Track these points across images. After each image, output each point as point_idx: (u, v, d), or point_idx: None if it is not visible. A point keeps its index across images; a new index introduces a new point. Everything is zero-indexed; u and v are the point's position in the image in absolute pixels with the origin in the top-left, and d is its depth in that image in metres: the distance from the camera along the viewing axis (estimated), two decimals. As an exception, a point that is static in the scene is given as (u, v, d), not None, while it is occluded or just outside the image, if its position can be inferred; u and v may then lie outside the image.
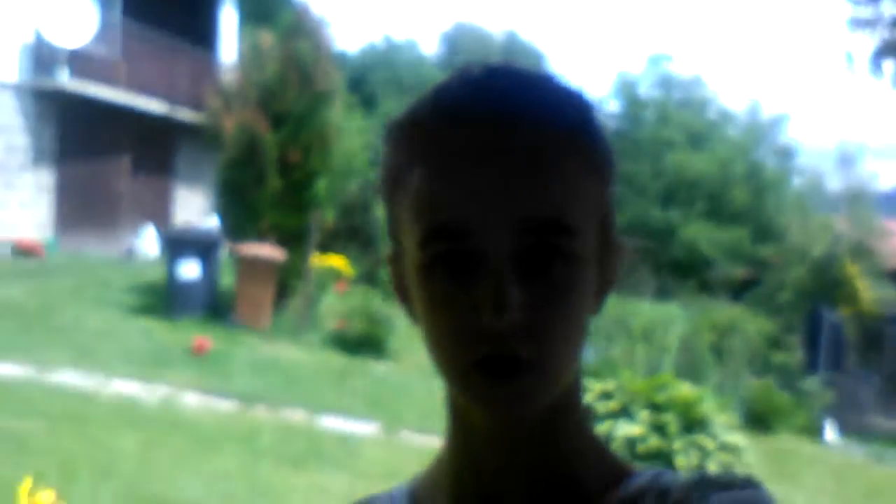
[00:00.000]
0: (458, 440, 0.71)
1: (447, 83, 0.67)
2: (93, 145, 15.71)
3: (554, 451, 0.69)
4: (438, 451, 0.74)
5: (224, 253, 12.09)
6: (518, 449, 0.68)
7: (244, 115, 11.39)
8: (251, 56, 12.51)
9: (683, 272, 21.72)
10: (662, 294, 20.13)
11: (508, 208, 0.62)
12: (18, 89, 14.64)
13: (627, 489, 0.68)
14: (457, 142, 0.63)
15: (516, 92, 0.65)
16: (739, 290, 20.91)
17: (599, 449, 0.72)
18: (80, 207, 15.66)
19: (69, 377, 8.19)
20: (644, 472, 0.70)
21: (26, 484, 1.70)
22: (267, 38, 12.33)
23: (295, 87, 11.51)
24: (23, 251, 13.95)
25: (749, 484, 0.65)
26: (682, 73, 24.14)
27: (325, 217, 12.14)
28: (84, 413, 7.29)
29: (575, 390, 0.70)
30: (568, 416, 0.69)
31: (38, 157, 15.06)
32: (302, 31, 11.97)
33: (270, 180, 11.16)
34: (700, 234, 21.32)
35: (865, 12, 5.00)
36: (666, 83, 24.27)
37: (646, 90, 24.65)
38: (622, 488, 0.68)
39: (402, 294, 0.71)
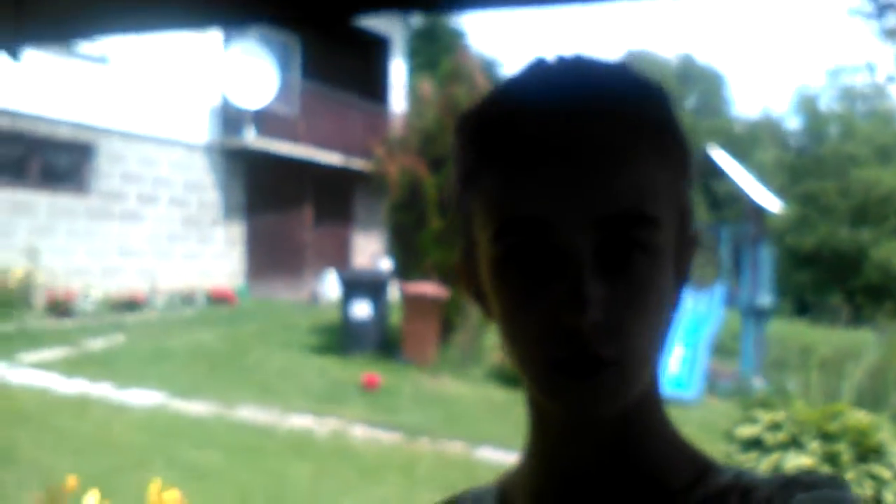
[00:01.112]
0: (539, 439, 0.70)
1: (519, 77, 0.66)
2: (278, 198, 16.88)
3: (635, 449, 0.67)
4: (523, 449, 0.73)
5: (394, 292, 12.68)
6: (599, 447, 0.67)
7: (405, 160, 11.97)
8: (414, 105, 13.14)
9: (879, 296, 20.40)
10: (858, 321, 19.02)
11: (588, 202, 0.60)
12: (209, 149, 16.01)
13: (711, 487, 0.67)
14: (532, 135, 0.62)
15: (590, 83, 0.64)
16: (945, 313, 19.38)
17: (681, 444, 0.70)
18: (269, 256, 16.85)
19: (250, 413, 8.84)
20: (727, 470, 0.68)
21: (156, 485, 1.99)
22: (426, 85, 12.90)
23: (451, 130, 11.93)
24: (217, 299, 15.17)
25: (834, 484, 0.63)
26: (866, 84, 22.85)
27: (487, 254, 12.45)
28: (261, 445, 7.87)
29: (655, 385, 0.68)
30: (649, 412, 0.68)
31: (229, 212, 16.37)
32: (459, 75, 12.43)
33: (431, 221, 11.65)
34: (894, 253, 19.98)
35: (892, 21, 4.83)
36: (848, 95, 23.05)
37: (827, 104, 23.53)
38: (705, 485, 0.67)
39: (475, 292, 0.70)
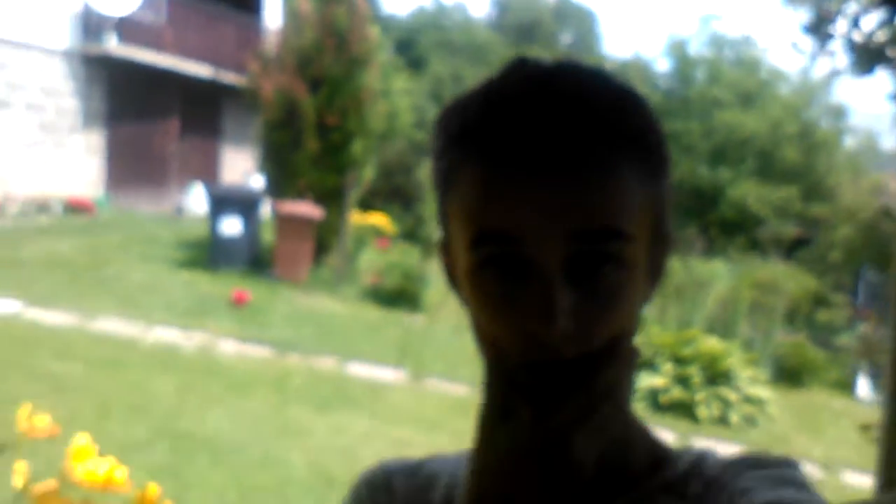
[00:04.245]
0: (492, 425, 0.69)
1: (502, 81, 0.66)
2: (141, 108, 16.11)
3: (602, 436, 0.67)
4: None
5: (267, 210, 12.41)
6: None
7: (282, 79, 11.60)
8: (291, 21, 12.68)
9: (732, 230, 21.49)
10: (712, 253, 19.96)
11: (561, 217, 0.60)
12: (68, 55, 15.07)
13: (670, 473, 0.69)
14: (511, 146, 0.62)
15: (575, 96, 0.63)
16: (791, 249, 20.62)
17: (643, 431, 0.71)
18: (131, 167, 16.13)
19: (112, 325, 8.53)
20: (686, 453, 0.70)
21: (25, 408, 1.86)
22: (305, 3, 12.46)
23: (331, 52, 11.66)
24: (75, 208, 14.45)
25: (785, 463, 0.66)
26: (734, 32, 23.71)
27: (363, 177, 12.33)
28: (123, 358, 7.62)
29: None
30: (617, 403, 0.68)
31: (88, 120, 15.52)
32: None
33: (308, 142, 11.38)
34: (749, 192, 21.05)
35: None
36: (717, 42, 23.87)
37: (696, 49, 24.30)
38: (664, 471, 0.69)
39: (453, 280, 0.71)
